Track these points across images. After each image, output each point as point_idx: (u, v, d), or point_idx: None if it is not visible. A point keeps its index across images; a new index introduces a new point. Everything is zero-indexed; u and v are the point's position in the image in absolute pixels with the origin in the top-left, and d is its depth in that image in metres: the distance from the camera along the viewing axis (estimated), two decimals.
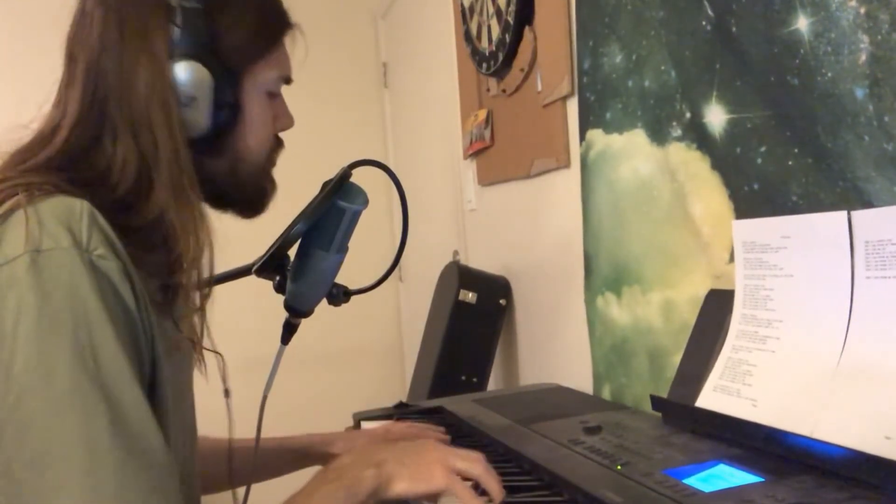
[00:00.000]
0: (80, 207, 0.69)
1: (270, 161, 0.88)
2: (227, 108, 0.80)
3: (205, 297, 0.82)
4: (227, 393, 0.96)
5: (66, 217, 0.68)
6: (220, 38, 0.79)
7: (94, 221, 0.69)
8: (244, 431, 1.09)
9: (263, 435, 1.05)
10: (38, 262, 0.65)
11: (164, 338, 0.76)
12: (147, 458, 0.65)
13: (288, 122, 0.89)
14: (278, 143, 0.89)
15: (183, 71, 0.77)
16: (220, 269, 1.13)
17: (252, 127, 0.83)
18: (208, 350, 0.89)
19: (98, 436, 0.63)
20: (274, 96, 0.87)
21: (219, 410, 0.98)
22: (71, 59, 0.79)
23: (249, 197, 0.88)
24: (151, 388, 0.73)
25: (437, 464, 0.81)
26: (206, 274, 0.80)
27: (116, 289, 0.69)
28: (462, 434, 1.18)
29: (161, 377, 0.74)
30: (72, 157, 0.76)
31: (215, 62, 0.78)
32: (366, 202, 0.96)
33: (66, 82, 0.79)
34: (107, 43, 0.76)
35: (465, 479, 0.82)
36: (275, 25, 0.85)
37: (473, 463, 0.82)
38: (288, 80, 0.88)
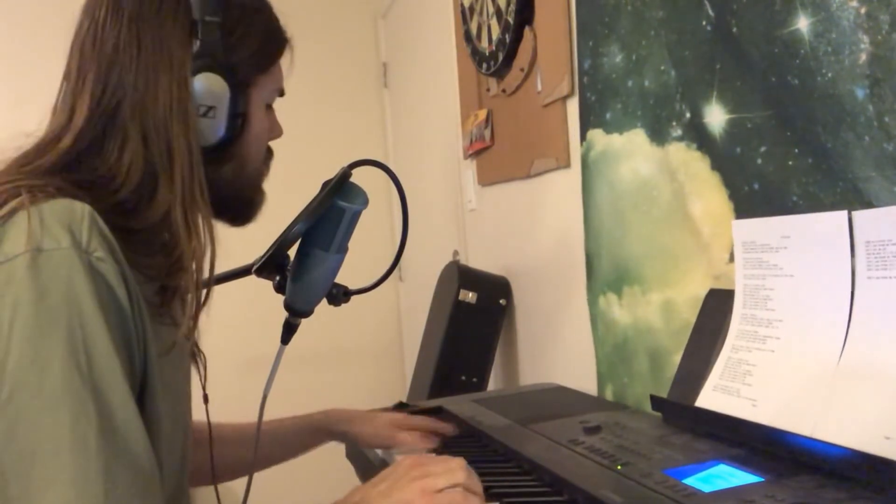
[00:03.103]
0: (81, 210, 0.70)
1: (263, 171, 0.92)
2: (239, 118, 0.84)
3: (204, 299, 0.82)
4: (205, 399, 0.97)
5: (67, 218, 0.69)
6: (233, 51, 0.82)
7: (94, 224, 0.70)
8: None
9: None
10: (38, 260, 0.66)
11: (158, 340, 0.76)
12: (132, 461, 0.66)
13: (279, 132, 0.94)
14: (270, 153, 0.93)
15: (203, 82, 0.80)
16: (220, 269, 1.13)
17: (255, 137, 0.88)
18: (197, 348, 0.91)
19: (86, 436, 0.64)
20: (269, 108, 0.91)
21: (218, 410, 0.98)
22: (80, 68, 0.80)
23: (243, 205, 0.91)
24: (142, 391, 0.73)
25: (419, 496, 0.77)
26: (205, 276, 0.81)
27: (113, 290, 0.69)
28: (462, 434, 1.18)
29: (153, 380, 0.74)
30: (74, 161, 0.77)
31: (230, 74, 0.82)
32: (366, 202, 0.97)
33: (73, 90, 0.80)
34: (123, 54, 0.78)
35: None
36: (277, 40, 0.89)
37: (454, 472, 0.78)
38: (282, 93, 0.92)
